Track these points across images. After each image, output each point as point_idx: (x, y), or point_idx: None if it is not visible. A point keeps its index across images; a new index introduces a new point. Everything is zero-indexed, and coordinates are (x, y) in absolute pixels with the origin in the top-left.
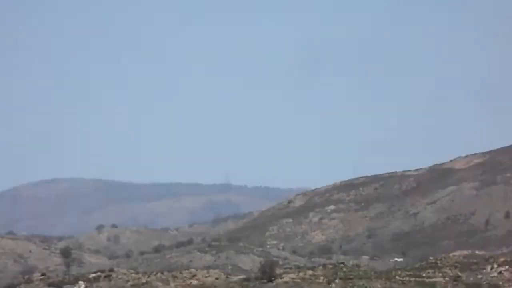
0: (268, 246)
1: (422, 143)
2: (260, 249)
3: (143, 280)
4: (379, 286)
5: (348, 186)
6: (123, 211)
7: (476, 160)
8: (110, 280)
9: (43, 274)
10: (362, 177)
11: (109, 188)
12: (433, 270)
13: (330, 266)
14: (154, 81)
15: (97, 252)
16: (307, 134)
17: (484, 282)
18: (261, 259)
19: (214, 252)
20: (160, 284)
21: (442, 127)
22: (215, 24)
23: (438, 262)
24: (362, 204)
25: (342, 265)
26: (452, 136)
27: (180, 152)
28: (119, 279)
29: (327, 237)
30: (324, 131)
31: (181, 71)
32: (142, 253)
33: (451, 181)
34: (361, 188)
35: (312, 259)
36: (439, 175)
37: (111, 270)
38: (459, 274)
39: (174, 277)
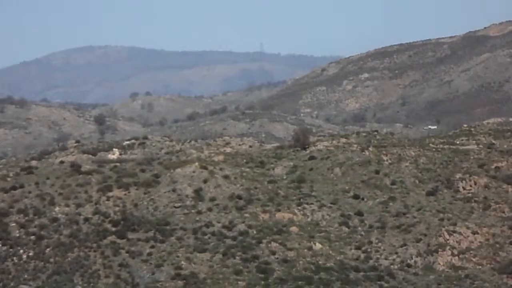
0: (301, 114)
1: (457, 9)
2: (294, 117)
3: (177, 148)
4: (412, 153)
5: (382, 53)
6: (157, 79)
7: (511, 27)
8: (144, 148)
9: (77, 141)
10: (396, 44)
11: (142, 56)
12: (466, 138)
13: (364, 134)
14: None
15: (131, 119)
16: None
17: None
18: (295, 127)
19: (247, 120)
20: (194, 151)
21: None
22: None
23: (472, 129)
24: (396, 72)
25: (375, 132)
26: (486, 2)
27: (213, 19)
28: (153, 146)
29: (360, 105)
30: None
31: None
32: (176, 121)
33: (485, 49)
34: (395, 56)
35: (346, 127)
36: (473, 43)
37: (145, 137)
38: (493, 141)
39: (208, 144)
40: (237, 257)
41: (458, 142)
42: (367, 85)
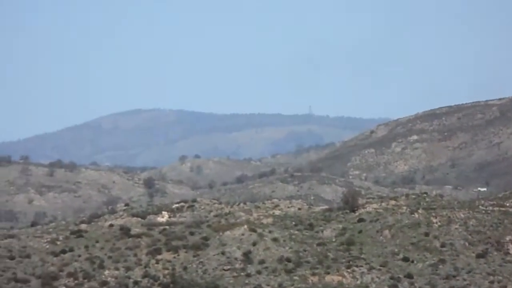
0: (350, 177)
1: (505, 72)
2: (342, 179)
3: (226, 210)
4: (462, 215)
5: (430, 116)
6: (205, 142)
7: None
8: (193, 211)
9: (126, 205)
10: (444, 106)
11: (191, 119)
12: None
13: (413, 196)
14: (243, 11)
15: (180, 182)
16: (388, 66)
17: None
18: (344, 189)
19: (296, 182)
20: (242, 214)
21: None
22: None
23: None
24: (445, 134)
25: (425, 195)
26: None
27: (262, 82)
28: (202, 209)
29: (409, 167)
30: (406, 61)
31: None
32: (224, 184)
33: None
34: (443, 118)
35: (395, 189)
36: None
37: (194, 200)
38: None
39: (257, 207)
40: None
41: (508, 204)
42: (416, 147)
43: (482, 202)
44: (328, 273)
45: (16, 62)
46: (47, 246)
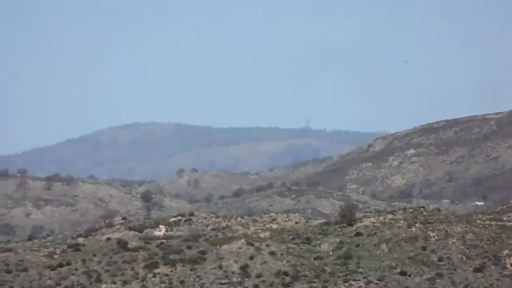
0: (347, 190)
1: (503, 86)
2: (340, 193)
3: (223, 224)
4: (459, 230)
5: (428, 130)
6: (203, 155)
7: None
8: (190, 224)
9: (124, 218)
10: (442, 121)
11: (189, 132)
12: None
13: (410, 210)
14: (237, 26)
15: (177, 196)
16: (386, 80)
17: None
18: (341, 203)
19: (294, 196)
20: (240, 228)
21: None
22: None
23: None
24: (443, 147)
25: (422, 209)
26: None
27: (259, 96)
28: (199, 223)
29: (407, 181)
30: (401, 77)
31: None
32: (222, 197)
33: None
34: (441, 132)
35: (392, 203)
36: None
37: (192, 214)
38: None
39: (254, 221)
40: None
41: (505, 218)
42: (413, 161)
43: (480, 216)
44: (326, 287)
45: (15, 76)
46: (44, 260)
